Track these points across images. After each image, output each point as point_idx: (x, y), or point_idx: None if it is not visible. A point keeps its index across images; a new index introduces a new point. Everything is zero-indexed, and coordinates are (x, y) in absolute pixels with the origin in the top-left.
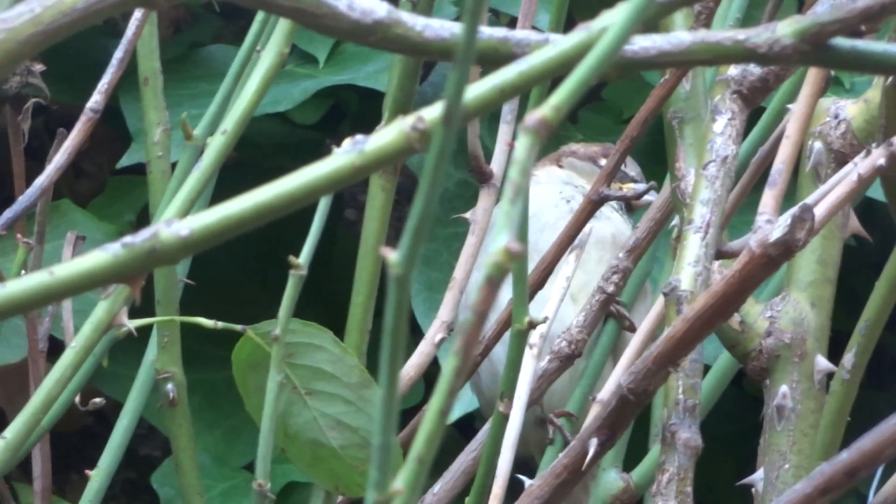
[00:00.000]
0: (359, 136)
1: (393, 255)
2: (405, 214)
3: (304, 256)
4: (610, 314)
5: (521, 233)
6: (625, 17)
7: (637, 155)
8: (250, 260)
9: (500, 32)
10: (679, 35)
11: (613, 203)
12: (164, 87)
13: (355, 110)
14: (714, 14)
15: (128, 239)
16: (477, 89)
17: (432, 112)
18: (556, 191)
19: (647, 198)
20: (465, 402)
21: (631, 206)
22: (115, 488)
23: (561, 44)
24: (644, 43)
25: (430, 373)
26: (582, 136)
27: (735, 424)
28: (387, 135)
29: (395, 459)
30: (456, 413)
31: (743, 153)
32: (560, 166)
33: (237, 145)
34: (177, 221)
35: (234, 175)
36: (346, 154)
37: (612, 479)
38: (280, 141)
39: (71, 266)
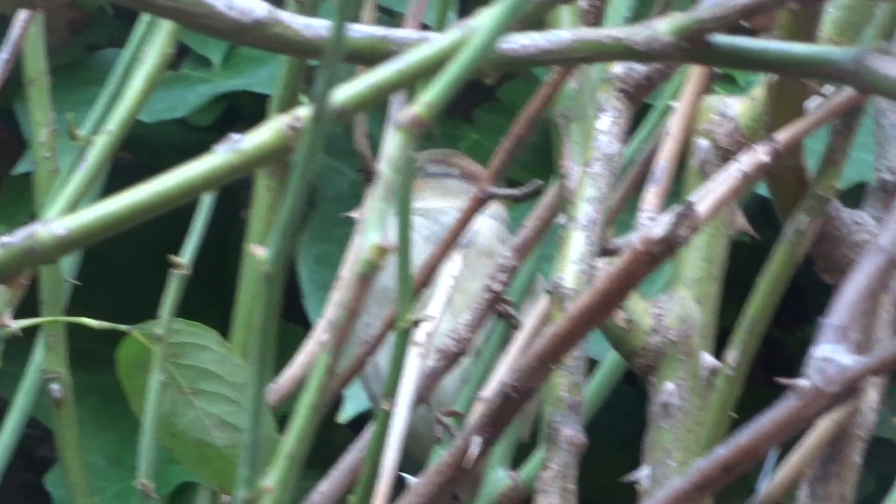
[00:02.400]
0: (236, 135)
1: (263, 253)
2: None
3: (186, 255)
4: (498, 313)
5: (403, 230)
6: (498, 15)
7: (526, 153)
8: (146, 260)
9: (379, 31)
10: (559, 33)
11: (485, 212)
12: (57, 91)
13: (250, 111)
14: (602, 13)
15: (5, 239)
16: (354, 88)
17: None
18: None
19: None
20: (359, 402)
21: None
22: (12, 491)
23: (437, 42)
24: (524, 41)
25: None
26: (477, 135)
27: (630, 422)
28: (264, 133)
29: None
30: (349, 412)
31: (632, 151)
32: None
33: (132, 147)
34: (54, 221)
35: (130, 177)
36: (223, 153)
37: (499, 477)
38: (175, 143)
39: None
